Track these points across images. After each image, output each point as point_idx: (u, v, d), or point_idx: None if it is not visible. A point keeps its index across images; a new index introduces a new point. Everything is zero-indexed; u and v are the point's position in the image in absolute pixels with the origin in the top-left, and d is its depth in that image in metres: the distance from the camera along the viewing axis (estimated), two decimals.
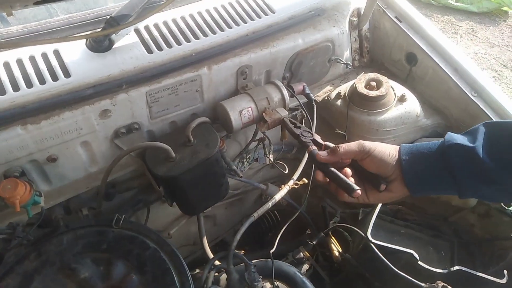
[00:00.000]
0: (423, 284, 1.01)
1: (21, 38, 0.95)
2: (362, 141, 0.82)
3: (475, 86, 1.22)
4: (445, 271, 1.04)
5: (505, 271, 1.04)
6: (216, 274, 1.02)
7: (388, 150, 0.82)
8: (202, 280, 0.95)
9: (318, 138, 0.96)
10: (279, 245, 1.16)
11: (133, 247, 0.89)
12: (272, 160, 1.28)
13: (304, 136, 0.96)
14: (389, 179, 0.81)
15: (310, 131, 0.99)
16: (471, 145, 0.75)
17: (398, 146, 0.83)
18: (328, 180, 0.83)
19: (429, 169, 0.78)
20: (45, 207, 0.97)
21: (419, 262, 1.05)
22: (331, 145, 0.89)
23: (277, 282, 1.08)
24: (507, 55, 3.75)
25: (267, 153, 1.26)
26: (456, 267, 1.04)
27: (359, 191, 0.77)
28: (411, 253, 1.06)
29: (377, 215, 1.18)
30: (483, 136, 0.76)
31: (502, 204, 1.14)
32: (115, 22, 0.90)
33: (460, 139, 0.77)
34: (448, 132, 0.84)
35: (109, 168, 0.99)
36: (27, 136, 0.89)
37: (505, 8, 4.21)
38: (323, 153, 0.86)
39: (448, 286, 0.99)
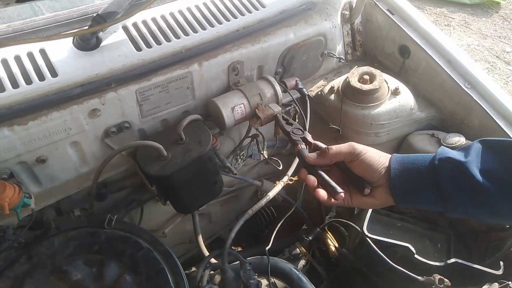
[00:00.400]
0: (419, 278, 1.01)
1: (5, 38, 0.93)
2: (353, 143, 0.80)
3: (468, 78, 1.21)
4: (442, 264, 1.04)
5: (501, 262, 1.04)
6: (212, 272, 1.01)
7: (378, 157, 0.79)
8: (197, 279, 0.94)
9: (308, 136, 0.94)
10: (276, 241, 1.15)
11: (126, 248, 0.88)
12: (266, 156, 1.27)
13: (294, 134, 0.94)
14: (375, 185, 0.79)
15: (301, 128, 0.98)
16: (463, 159, 0.71)
17: (390, 155, 0.80)
18: (310, 181, 0.81)
19: (417, 181, 0.75)
20: (36, 209, 0.95)
21: (416, 256, 1.05)
22: (321, 144, 0.87)
23: (273, 279, 1.07)
24: (499, 46, 3.75)
25: (261, 149, 1.25)
26: (452, 260, 1.04)
27: (342, 194, 0.75)
28: (407, 247, 1.05)
29: (372, 209, 1.18)
30: (477, 153, 0.72)
31: None
32: (102, 20, 0.88)
33: (452, 153, 0.74)
34: (442, 146, 0.82)
35: (99, 168, 0.97)
36: (14, 137, 0.87)
37: None
38: (312, 155, 0.84)
39: (445, 279, 0.99)
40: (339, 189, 0.76)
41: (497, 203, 0.69)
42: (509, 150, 0.71)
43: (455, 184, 0.72)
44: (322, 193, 0.78)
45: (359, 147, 0.79)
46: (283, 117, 1.04)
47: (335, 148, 0.80)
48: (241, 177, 1.29)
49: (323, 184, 0.79)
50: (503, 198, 0.68)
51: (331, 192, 0.76)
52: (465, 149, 0.75)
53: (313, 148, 0.88)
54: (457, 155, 0.73)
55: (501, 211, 0.71)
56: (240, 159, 1.29)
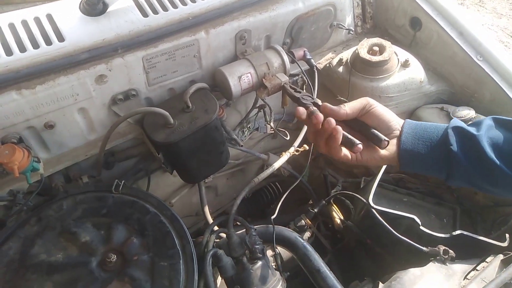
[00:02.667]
0: (424, 248, 1.01)
1: None
2: (367, 97, 0.81)
3: (481, 50, 1.18)
4: (447, 235, 1.04)
5: (507, 235, 1.03)
6: (217, 240, 1.03)
7: (390, 113, 0.81)
8: (203, 244, 0.95)
9: (318, 101, 0.93)
10: (281, 214, 1.16)
11: (133, 212, 0.89)
12: (273, 127, 1.26)
13: (304, 99, 0.93)
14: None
15: (311, 96, 0.97)
16: (474, 132, 0.73)
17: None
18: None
19: (427, 144, 0.77)
20: (45, 174, 0.97)
21: (421, 227, 1.05)
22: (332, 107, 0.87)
23: (279, 248, 1.09)
24: None
25: (268, 120, 1.24)
26: (458, 232, 1.04)
27: (360, 146, 0.75)
28: (413, 218, 1.05)
29: (379, 183, 1.17)
30: (488, 128, 0.74)
31: None
32: None
33: (465, 125, 0.76)
34: (454, 118, 0.83)
35: (107, 134, 0.98)
36: (23, 101, 0.88)
37: None
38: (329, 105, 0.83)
39: (450, 250, 0.99)
40: (356, 141, 0.75)
41: (502, 176, 0.71)
42: None
43: (464, 152, 0.73)
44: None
45: (372, 100, 0.80)
46: (290, 86, 1.03)
47: (349, 103, 0.80)
48: (247, 150, 1.30)
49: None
50: (507, 173, 0.71)
51: (348, 144, 0.76)
52: (476, 124, 0.76)
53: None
54: (469, 128, 0.75)
55: (504, 184, 0.73)
56: (247, 131, 1.29)
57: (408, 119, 0.81)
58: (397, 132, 0.79)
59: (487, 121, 0.76)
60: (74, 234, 0.84)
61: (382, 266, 1.15)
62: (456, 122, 0.77)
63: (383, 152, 0.78)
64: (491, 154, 0.71)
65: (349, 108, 0.80)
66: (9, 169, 0.85)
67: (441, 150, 0.75)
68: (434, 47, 1.29)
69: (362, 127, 0.80)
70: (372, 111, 0.79)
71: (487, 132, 0.73)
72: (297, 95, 0.94)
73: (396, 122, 0.80)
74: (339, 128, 0.75)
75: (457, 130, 0.75)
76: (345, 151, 0.79)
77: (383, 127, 0.79)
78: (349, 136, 0.76)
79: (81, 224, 0.87)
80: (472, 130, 0.74)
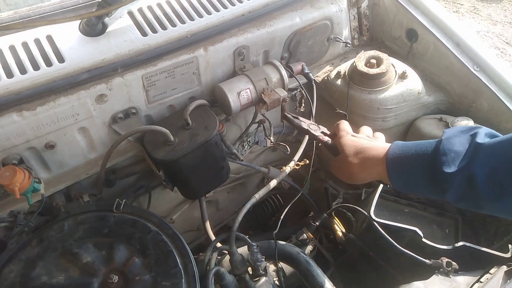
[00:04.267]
0: (427, 261, 1.01)
1: (13, 22, 0.93)
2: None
3: (477, 60, 1.19)
4: (449, 247, 1.03)
5: (510, 245, 1.03)
6: (219, 257, 1.02)
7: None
8: (205, 262, 0.95)
9: (325, 130, 0.96)
10: (283, 228, 1.15)
11: (135, 231, 0.89)
12: (273, 141, 1.26)
13: (312, 130, 0.96)
14: None
15: (315, 123, 0.99)
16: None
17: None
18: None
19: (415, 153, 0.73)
20: (46, 194, 0.97)
21: (423, 239, 1.04)
22: None
23: (281, 263, 1.08)
24: (510, 32, 3.69)
25: (268, 135, 1.25)
26: (460, 243, 1.03)
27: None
28: (415, 230, 1.05)
29: (380, 194, 1.17)
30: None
31: None
32: (107, 4, 0.88)
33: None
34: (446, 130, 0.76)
35: (107, 153, 0.98)
36: (24, 122, 0.88)
37: None
38: None
39: (453, 262, 0.98)
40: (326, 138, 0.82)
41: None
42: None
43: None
44: None
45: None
46: (292, 116, 1.03)
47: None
48: (247, 163, 1.30)
49: None
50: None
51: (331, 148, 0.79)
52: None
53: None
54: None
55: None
56: (246, 145, 1.29)
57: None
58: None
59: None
60: (75, 255, 0.84)
61: (385, 279, 1.14)
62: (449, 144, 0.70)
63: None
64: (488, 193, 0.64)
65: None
66: (10, 191, 0.85)
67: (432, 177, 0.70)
68: (431, 58, 1.30)
69: None
70: None
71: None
72: (305, 125, 0.96)
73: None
74: None
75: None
76: None
77: None
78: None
79: (83, 244, 0.86)
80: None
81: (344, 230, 1.28)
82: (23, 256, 0.84)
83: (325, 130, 0.96)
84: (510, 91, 1.14)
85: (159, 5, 1.06)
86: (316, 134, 0.94)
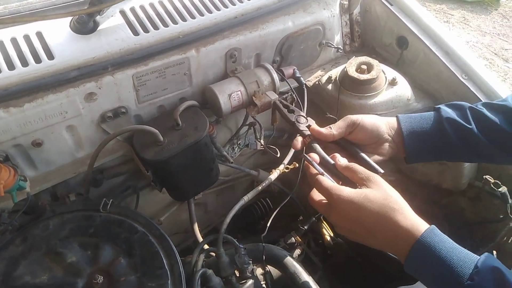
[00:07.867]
0: None
1: (2, 18, 0.92)
2: (347, 116, 0.87)
3: (465, 69, 1.21)
4: None
5: (494, 252, 1.04)
6: (206, 259, 1.01)
7: (375, 117, 0.88)
8: (192, 263, 0.94)
9: (312, 123, 0.94)
10: (271, 231, 1.15)
11: (121, 231, 0.88)
12: (264, 144, 1.26)
13: (299, 123, 0.95)
14: (382, 141, 0.86)
15: (304, 115, 0.97)
16: (468, 126, 0.87)
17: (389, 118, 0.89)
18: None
19: (428, 136, 0.86)
20: (31, 192, 0.95)
21: None
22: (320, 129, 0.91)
23: (269, 266, 1.08)
24: (498, 44, 3.76)
25: (258, 137, 1.25)
26: None
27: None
28: None
29: None
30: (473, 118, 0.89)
31: (492, 186, 1.14)
32: (98, 1, 0.88)
33: (457, 119, 0.89)
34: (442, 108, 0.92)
35: (95, 152, 0.97)
36: (10, 119, 0.87)
37: None
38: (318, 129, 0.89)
39: None
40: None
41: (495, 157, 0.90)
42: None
43: (463, 146, 0.88)
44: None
45: (355, 116, 0.86)
46: (283, 104, 1.04)
47: (335, 124, 0.86)
48: (237, 166, 1.29)
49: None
50: (488, 144, 0.86)
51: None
52: (459, 109, 0.93)
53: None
54: (463, 122, 0.89)
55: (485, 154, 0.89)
56: (237, 148, 1.29)
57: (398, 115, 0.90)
58: (387, 136, 0.86)
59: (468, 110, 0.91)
60: (60, 254, 0.83)
61: (373, 284, 1.15)
62: (446, 113, 0.89)
63: (387, 150, 0.86)
64: (487, 144, 0.86)
65: (335, 129, 0.82)
66: None
67: (442, 140, 0.87)
68: (420, 65, 1.32)
69: (355, 154, 0.82)
70: (360, 127, 0.82)
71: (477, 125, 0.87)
72: (292, 117, 0.95)
73: (384, 124, 0.87)
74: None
75: (451, 122, 0.88)
76: None
77: (374, 136, 0.84)
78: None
79: (68, 244, 0.85)
80: (462, 121, 0.88)
81: (332, 235, 1.28)
82: (5, 254, 0.82)
83: (313, 123, 0.94)
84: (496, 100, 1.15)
85: (152, 5, 1.06)
86: (301, 128, 0.93)
